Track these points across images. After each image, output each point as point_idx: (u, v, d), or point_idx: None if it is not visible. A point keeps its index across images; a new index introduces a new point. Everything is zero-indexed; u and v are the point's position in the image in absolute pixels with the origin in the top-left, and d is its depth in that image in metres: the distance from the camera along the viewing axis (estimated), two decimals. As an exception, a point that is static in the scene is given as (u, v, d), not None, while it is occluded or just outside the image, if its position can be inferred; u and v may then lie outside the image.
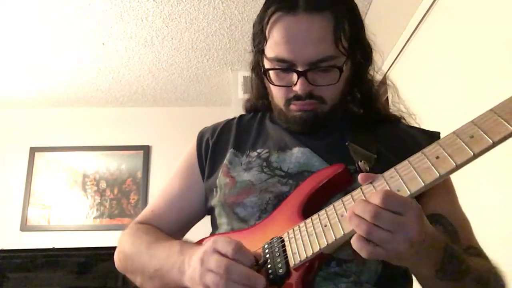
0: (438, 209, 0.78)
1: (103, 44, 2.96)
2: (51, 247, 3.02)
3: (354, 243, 0.57)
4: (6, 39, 2.85)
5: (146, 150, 3.79)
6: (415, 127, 0.93)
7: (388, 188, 0.59)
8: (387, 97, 2.33)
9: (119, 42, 2.96)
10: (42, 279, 2.82)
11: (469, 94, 1.47)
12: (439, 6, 1.69)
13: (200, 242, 0.84)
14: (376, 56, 0.92)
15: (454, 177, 1.42)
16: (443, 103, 1.66)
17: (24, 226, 3.59)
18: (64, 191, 3.72)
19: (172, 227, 0.93)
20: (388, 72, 2.27)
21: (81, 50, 3.02)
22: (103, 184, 3.74)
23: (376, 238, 0.55)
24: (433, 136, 0.88)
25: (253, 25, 0.89)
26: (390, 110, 0.97)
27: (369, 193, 0.61)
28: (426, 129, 0.93)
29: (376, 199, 0.56)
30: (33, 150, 3.78)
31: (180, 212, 0.94)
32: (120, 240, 0.91)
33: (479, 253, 0.77)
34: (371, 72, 0.93)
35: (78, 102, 3.82)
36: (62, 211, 3.66)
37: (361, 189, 0.63)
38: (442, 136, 0.88)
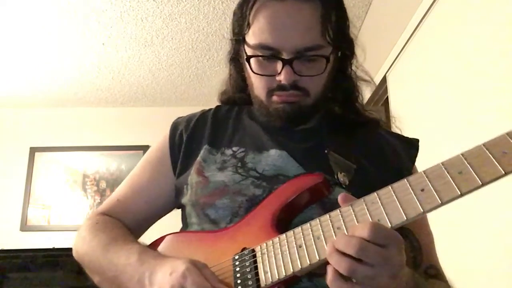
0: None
1: (103, 44, 2.97)
2: (51, 247, 3.01)
3: (331, 283, 0.54)
4: (6, 39, 2.85)
5: (146, 150, 3.77)
6: (394, 134, 0.91)
7: (368, 215, 0.57)
8: (387, 97, 2.34)
9: (119, 42, 2.96)
10: (42, 279, 2.81)
11: (468, 95, 1.47)
12: (439, 6, 1.69)
13: (157, 243, 0.82)
14: (358, 52, 0.89)
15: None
16: (442, 104, 1.66)
17: (24, 226, 3.59)
18: (64, 191, 3.72)
19: (137, 218, 0.89)
20: (388, 72, 2.27)
21: (81, 50, 3.02)
22: (103, 184, 3.74)
23: (359, 275, 0.52)
24: (412, 144, 0.87)
25: (234, 13, 0.84)
26: (368, 110, 0.94)
27: (348, 217, 0.59)
28: (405, 136, 0.91)
29: (363, 232, 0.53)
30: (33, 150, 3.78)
31: (148, 203, 0.90)
32: (77, 234, 0.86)
33: (437, 273, 0.77)
34: (353, 68, 0.90)
35: (78, 102, 3.82)
36: (62, 211, 3.66)
37: (340, 212, 0.60)
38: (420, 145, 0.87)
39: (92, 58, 3.13)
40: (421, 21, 1.83)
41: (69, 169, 3.78)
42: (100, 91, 3.65)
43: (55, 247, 3.03)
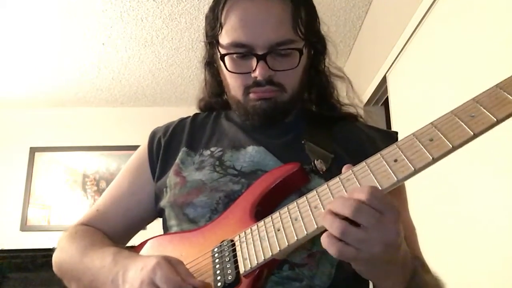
0: None
1: (103, 44, 2.96)
2: (51, 247, 3.01)
3: (324, 239, 0.54)
4: (6, 39, 2.85)
5: (146, 150, 3.79)
6: (372, 127, 0.91)
7: (344, 191, 0.56)
8: (387, 96, 2.33)
9: (119, 42, 2.96)
10: (42, 279, 2.81)
11: (468, 95, 1.46)
12: (439, 6, 1.69)
13: (139, 248, 0.81)
14: (330, 49, 0.90)
15: (453, 175, 1.41)
16: (443, 104, 1.66)
17: (24, 226, 3.59)
18: (64, 191, 3.72)
19: (118, 229, 0.88)
20: (388, 72, 2.27)
21: (81, 50, 3.02)
22: (103, 184, 3.74)
23: (351, 237, 0.52)
24: (391, 137, 0.87)
25: (206, 17, 0.86)
26: (344, 105, 0.94)
27: (324, 196, 0.58)
28: (384, 128, 0.91)
29: (361, 194, 0.52)
30: (33, 150, 3.78)
31: (127, 212, 0.89)
32: (57, 245, 0.87)
33: (423, 265, 0.76)
34: (326, 64, 0.91)
35: (78, 102, 3.82)
36: (62, 211, 3.66)
37: (316, 192, 0.60)
38: (400, 136, 0.88)
39: (92, 58, 3.13)
40: (421, 21, 1.83)
41: (69, 169, 3.78)
42: (100, 91, 3.65)
43: (55, 247, 3.03)
